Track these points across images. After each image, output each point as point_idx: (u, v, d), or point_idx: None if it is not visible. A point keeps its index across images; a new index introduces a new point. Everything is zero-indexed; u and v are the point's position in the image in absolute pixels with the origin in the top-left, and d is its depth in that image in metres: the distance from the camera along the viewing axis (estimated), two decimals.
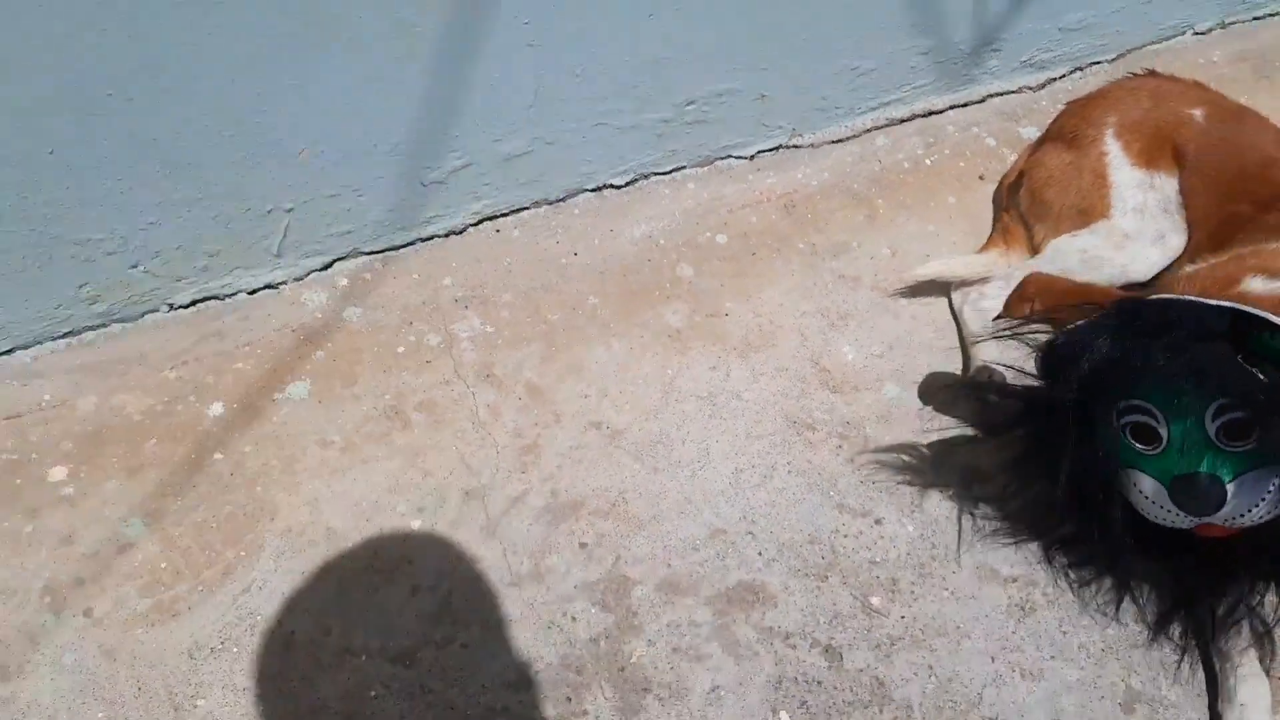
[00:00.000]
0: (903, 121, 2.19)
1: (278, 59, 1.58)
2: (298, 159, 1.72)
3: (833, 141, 2.15)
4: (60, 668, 1.40)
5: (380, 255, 1.91)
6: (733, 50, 1.92)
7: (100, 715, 1.37)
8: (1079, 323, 1.39)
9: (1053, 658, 1.46)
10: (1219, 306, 1.31)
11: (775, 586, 1.52)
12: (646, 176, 2.05)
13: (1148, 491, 1.35)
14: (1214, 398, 1.30)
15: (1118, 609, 1.48)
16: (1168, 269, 1.71)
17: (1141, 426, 1.34)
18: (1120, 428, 1.35)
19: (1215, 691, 1.42)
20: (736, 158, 2.10)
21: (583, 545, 1.56)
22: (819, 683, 1.43)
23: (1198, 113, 1.76)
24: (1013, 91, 2.27)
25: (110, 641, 1.44)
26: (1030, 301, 1.49)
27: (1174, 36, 2.39)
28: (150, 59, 1.50)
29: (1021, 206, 1.87)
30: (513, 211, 1.97)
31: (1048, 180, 1.83)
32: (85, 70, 1.47)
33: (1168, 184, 1.73)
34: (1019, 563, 1.55)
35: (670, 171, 2.06)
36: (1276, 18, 2.47)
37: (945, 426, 1.68)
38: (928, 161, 2.14)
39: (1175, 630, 1.46)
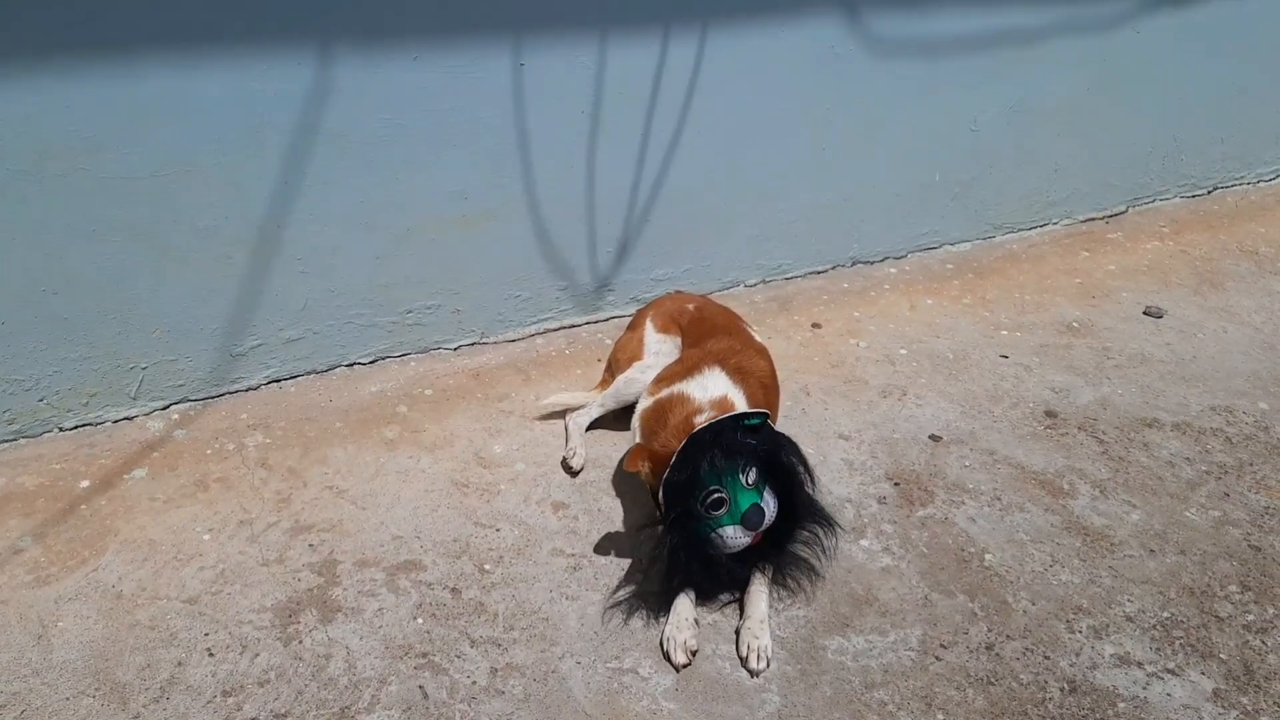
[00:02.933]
0: (553, 330, 3.47)
1: (140, 273, 2.76)
2: (153, 335, 2.85)
3: (509, 340, 3.40)
4: None
5: (201, 400, 3.00)
6: (434, 282, 3.19)
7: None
8: (672, 463, 2.34)
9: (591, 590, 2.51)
10: (725, 417, 2.44)
11: (427, 562, 2.55)
12: (385, 357, 3.23)
13: (728, 535, 2.34)
14: (745, 464, 2.36)
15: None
16: None
17: (717, 499, 2.34)
18: (706, 507, 2.36)
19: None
20: (445, 348, 3.32)
21: (311, 546, 2.57)
22: (445, 605, 2.44)
23: (691, 306, 3.09)
24: (628, 315, 3.60)
25: (4, 596, 2.36)
26: (639, 456, 2.49)
27: (731, 287, 3.81)
28: (67, 270, 2.66)
29: (611, 365, 3.13)
30: (292, 377, 3.10)
31: (620, 347, 3.10)
32: (27, 274, 2.61)
33: (673, 340, 3.02)
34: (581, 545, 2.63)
35: (401, 355, 3.25)
36: (797, 278, 3.93)
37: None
38: (567, 352, 3.40)
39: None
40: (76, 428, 2.86)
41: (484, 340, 3.37)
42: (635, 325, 3.12)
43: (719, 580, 2.47)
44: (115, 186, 2.64)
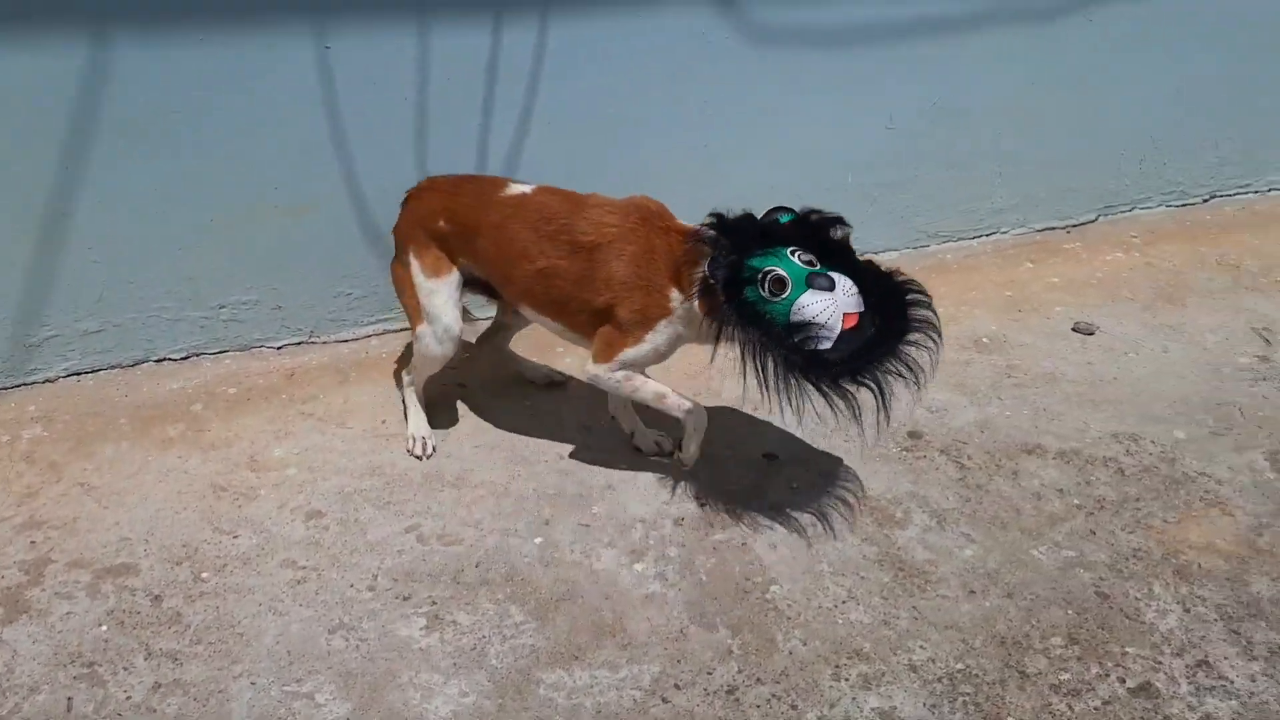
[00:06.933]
0: (395, 333, 3.26)
1: None
2: None
3: (340, 340, 3.22)
4: None
5: None
6: (248, 276, 3.04)
7: None
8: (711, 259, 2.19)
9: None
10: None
11: (143, 566, 2.37)
12: (199, 354, 3.09)
13: (807, 306, 2.11)
14: (792, 248, 2.19)
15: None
16: None
17: (777, 279, 2.14)
18: (770, 292, 2.12)
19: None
20: (267, 347, 3.15)
21: (33, 543, 2.43)
22: (139, 612, 2.25)
23: (441, 218, 2.63)
24: (485, 319, 3.37)
25: None
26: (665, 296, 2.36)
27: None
28: None
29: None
30: (93, 370, 2.99)
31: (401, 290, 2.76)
32: None
33: (450, 277, 2.66)
34: None
35: (218, 352, 3.10)
36: None
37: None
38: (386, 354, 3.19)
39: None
40: None
41: (312, 340, 3.19)
42: (401, 256, 2.70)
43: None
44: None
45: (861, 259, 2.31)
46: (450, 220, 2.59)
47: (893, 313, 2.22)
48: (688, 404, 2.49)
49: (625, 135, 3.24)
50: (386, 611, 2.26)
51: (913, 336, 2.22)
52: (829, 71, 3.40)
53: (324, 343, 3.20)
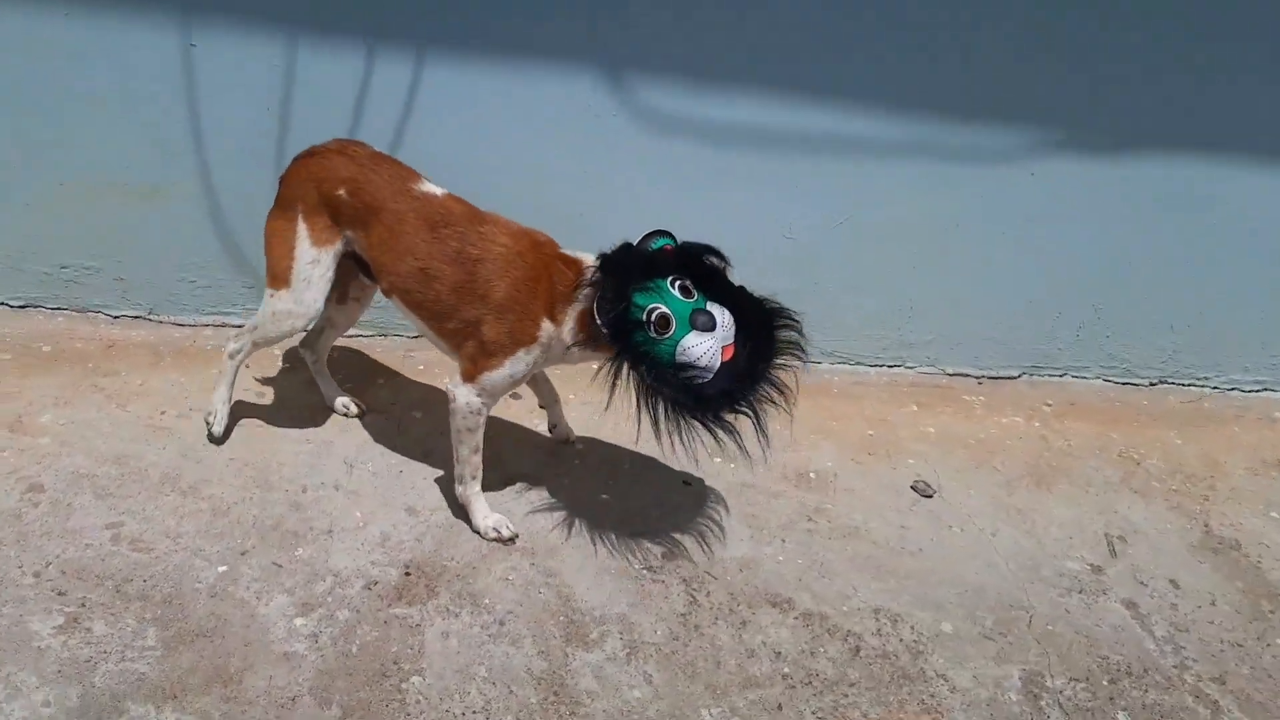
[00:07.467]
0: (235, 327, 3.29)
1: None
2: None
3: (177, 323, 3.29)
4: None
5: None
6: (91, 245, 3.13)
7: None
8: (599, 296, 2.29)
9: None
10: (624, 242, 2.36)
11: None
12: (34, 305, 3.20)
13: (691, 347, 2.23)
14: (672, 277, 2.28)
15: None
16: None
17: (661, 317, 2.24)
18: (655, 329, 2.23)
19: None
20: (105, 313, 3.24)
21: None
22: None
23: (342, 187, 2.58)
24: None
25: None
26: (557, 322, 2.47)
27: None
28: None
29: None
30: None
31: (271, 244, 2.66)
32: None
33: (332, 250, 2.63)
34: None
35: (53, 308, 3.21)
36: None
37: None
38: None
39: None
40: None
41: (151, 316, 3.27)
42: (285, 211, 2.60)
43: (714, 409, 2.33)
44: None
45: (735, 284, 2.41)
46: (353, 193, 2.55)
47: (763, 337, 2.37)
48: (477, 484, 2.65)
49: (490, 186, 3.21)
50: (34, 601, 2.28)
51: (780, 360, 2.41)
52: (723, 166, 3.30)
53: (159, 321, 3.27)
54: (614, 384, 2.36)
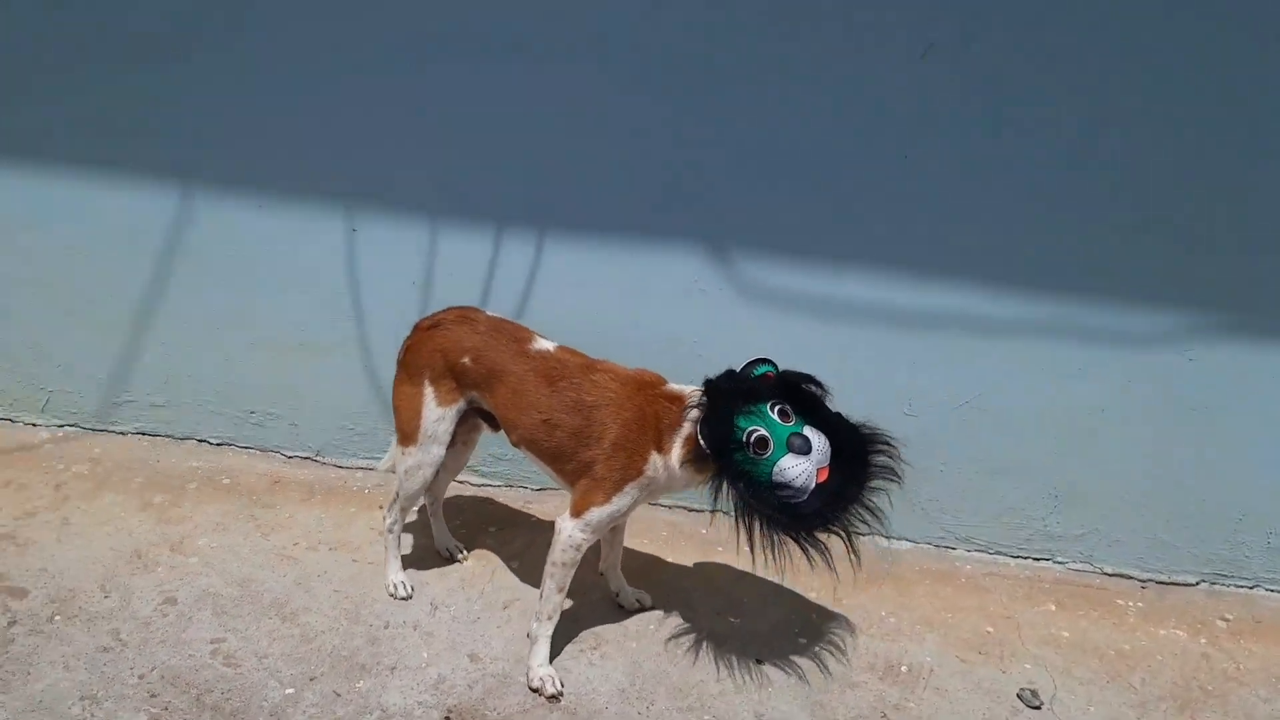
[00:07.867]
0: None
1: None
2: (56, 369, 3.74)
3: (337, 465, 3.74)
4: None
5: (88, 429, 3.80)
6: (273, 394, 3.68)
7: None
8: (702, 419, 2.47)
9: None
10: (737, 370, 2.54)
11: (32, 591, 3.02)
12: (230, 444, 3.77)
13: (788, 468, 2.39)
14: (772, 402, 2.46)
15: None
16: None
17: (760, 439, 2.41)
18: (753, 450, 2.40)
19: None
20: (282, 453, 3.76)
21: None
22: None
23: (467, 355, 2.85)
24: (458, 481, 3.71)
25: None
26: (665, 449, 2.64)
27: None
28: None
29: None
30: (154, 434, 3.78)
31: (400, 407, 2.99)
32: None
33: (454, 410, 2.90)
34: None
35: (245, 447, 3.77)
36: None
37: None
38: (381, 488, 3.63)
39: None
40: None
41: (317, 458, 3.74)
42: (412, 377, 2.90)
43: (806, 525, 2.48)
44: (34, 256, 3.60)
45: (832, 410, 2.53)
46: (476, 360, 2.81)
47: (858, 461, 2.49)
48: (550, 626, 2.79)
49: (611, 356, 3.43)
50: (130, 699, 2.62)
51: (875, 484, 2.51)
52: (840, 342, 3.31)
53: (324, 463, 3.73)
54: (715, 499, 2.52)
